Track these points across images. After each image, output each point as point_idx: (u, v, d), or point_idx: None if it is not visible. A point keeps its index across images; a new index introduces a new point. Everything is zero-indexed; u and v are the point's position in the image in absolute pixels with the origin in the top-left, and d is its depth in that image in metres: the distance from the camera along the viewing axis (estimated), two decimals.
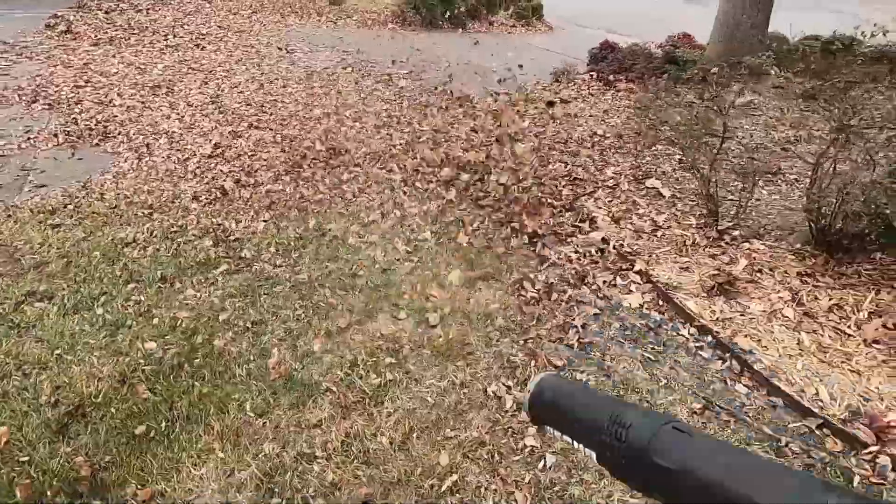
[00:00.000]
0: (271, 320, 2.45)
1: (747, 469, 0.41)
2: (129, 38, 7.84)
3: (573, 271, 2.86)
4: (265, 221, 3.36)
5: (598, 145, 4.59)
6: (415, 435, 1.82)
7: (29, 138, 4.67)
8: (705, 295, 2.56)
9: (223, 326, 2.40)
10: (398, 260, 2.92)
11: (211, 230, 3.27)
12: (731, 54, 6.12)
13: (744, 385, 2.09)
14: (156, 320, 2.45)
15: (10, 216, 3.45)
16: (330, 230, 3.25)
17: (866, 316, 2.33)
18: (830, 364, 2.12)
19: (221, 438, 1.83)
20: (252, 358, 2.21)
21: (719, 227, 3.04)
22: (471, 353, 2.21)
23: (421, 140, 4.54)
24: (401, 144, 4.54)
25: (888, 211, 2.32)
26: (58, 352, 2.25)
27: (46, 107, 5.34)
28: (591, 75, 7.13)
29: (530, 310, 2.54)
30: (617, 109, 5.67)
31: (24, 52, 7.04)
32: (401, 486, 1.65)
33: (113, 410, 1.94)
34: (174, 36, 8.12)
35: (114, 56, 6.99)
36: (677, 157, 4.02)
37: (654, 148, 4.45)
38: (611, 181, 3.87)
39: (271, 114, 5.39)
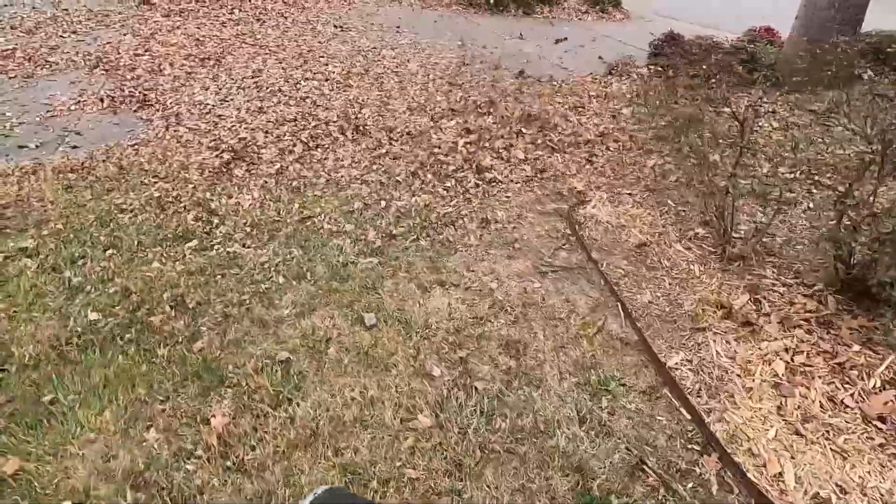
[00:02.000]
0: (216, 302, 2.43)
1: None
2: (199, 11, 8.19)
3: None
4: (252, 200, 3.35)
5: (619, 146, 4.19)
6: (298, 452, 1.70)
7: (79, 101, 4.99)
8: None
9: (168, 303, 2.40)
10: (364, 253, 2.79)
11: (200, 203, 3.32)
12: (813, 53, 5.37)
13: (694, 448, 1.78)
14: (112, 289, 2.51)
15: (34, 173, 3.68)
16: (310, 215, 3.18)
17: (877, 384, 1.91)
18: (811, 440, 1.75)
19: (117, 419, 1.81)
20: (181, 339, 2.19)
21: (729, 255, 2.64)
22: (394, 366, 2.05)
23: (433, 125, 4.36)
24: (413, 124, 4.38)
25: None
26: (15, 309, 2.35)
27: (104, 72, 5.68)
28: (650, 69, 6.56)
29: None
30: (667, 107, 5.15)
31: (104, 20, 7.55)
32: None
33: (35, 375, 1.99)
34: (239, 10, 8.39)
35: (178, 27, 7.31)
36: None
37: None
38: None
39: (305, 91, 5.41)
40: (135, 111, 4.87)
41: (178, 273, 2.63)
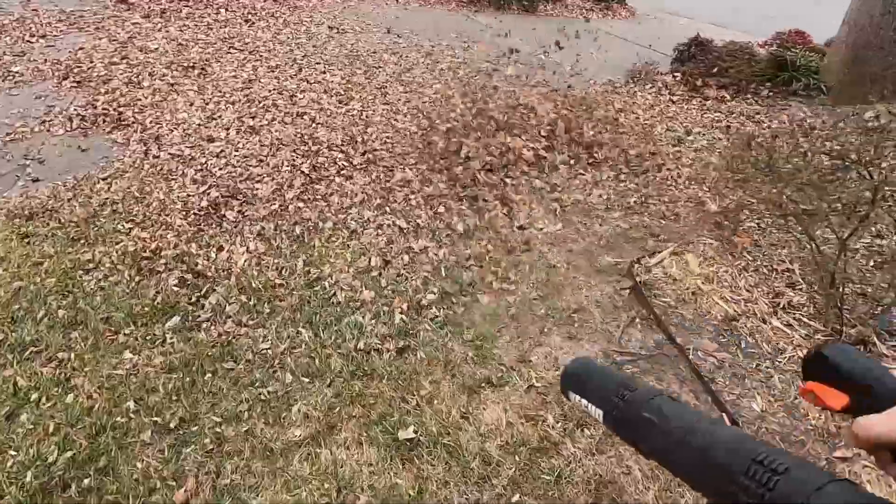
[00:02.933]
0: (205, 417, 1.88)
1: None
2: (181, 11, 7.52)
3: None
4: (247, 255, 2.79)
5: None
6: None
7: (45, 121, 4.37)
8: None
9: (142, 421, 1.85)
10: (390, 335, 2.25)
11: (184, 260, 2.75)
12: (864, 62, 4.88)
13: None
14: (70, 397, 1.95)
15: None
16: (319, 276, 2.63)
17: None
18: None
19: None
20: (157, 484, 1.64)
21: (845, 338, 2.13)
22: None
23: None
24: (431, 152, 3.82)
25: None
26: None
27: (75, 84, 5.04)
28: (675, 76, 6.05)
29: None
30: (704, 126, 4.64)
31: (78, 21, 6.87)
32: None
33: None
34: (226, 9, 7.73)
35: (159, 30, 6.66)
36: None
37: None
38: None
39: (302, 106, 4.82)
40: (108, 132, 4.26)
41: (157, 369, 2.07)
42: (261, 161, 3.76)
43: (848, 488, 0.40)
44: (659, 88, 5.80)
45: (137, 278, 2.63)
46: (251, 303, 2.45)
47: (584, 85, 5.46)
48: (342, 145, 4.01)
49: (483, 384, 1.99)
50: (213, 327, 2.30)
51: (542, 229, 3.01)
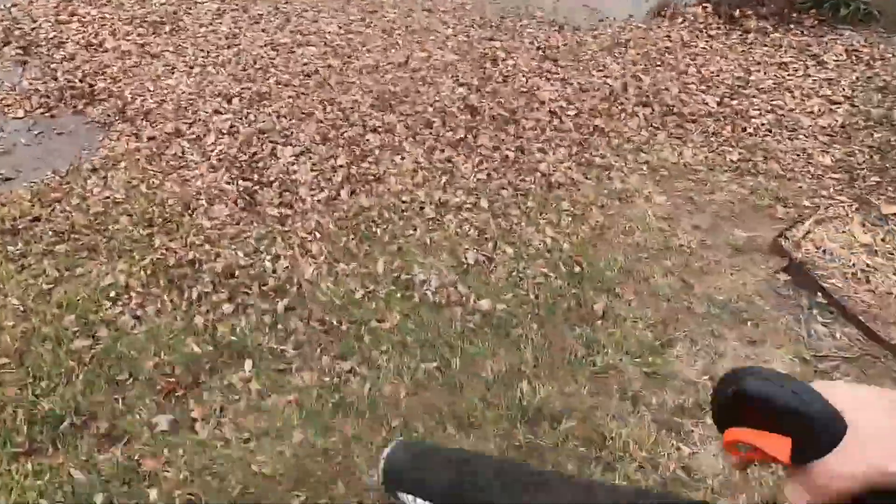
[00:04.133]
0: None
1: None
2: None
3: None
4: (312, 260, 2.26)
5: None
6: None
7: None
8: None
9: None
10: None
11: (234, 274, 2.20)
12: None
13: None
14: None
15: None
16: (410, 280, 2.14)
17: None
18: None
19: None
20: None
21: None
22: None
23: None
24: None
25: None
26: None
27: (20, 51, 4.13)
28: (705, 8, 5.53)
29: None
30: (759, 64, 4.20)
31: None
32: None
33: None
34: None
35: None
36: None
37: None
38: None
39: (304, 64, 4.11)
40: (80, 109, 3.49)
41: (263, 462, 1.59)
42: (286, 136, 3.13)
43: None
44: (690, 23, 5.28)
45: (183, 305, 2.08)
46: (343, 327, 1.95)
47: (600, 25, 4.89)
48: (375, 111, 3.40)
49: (680, 416, 1.62)
50: (306, 373, 1.80)
51: (647, 199, 2.59)
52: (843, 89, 3.66)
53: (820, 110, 3.39)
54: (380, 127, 3.22)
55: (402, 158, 2.95)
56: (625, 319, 1.94)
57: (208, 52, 4.28)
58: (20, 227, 2.47)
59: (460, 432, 1.59)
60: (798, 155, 2.89)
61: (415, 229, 2.44)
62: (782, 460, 0.38)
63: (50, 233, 2.43)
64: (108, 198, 2.67)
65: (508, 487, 0.48)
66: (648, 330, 1.89)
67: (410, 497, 0.53)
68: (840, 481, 0.35)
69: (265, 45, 4.40)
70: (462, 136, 3.10)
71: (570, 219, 2.47)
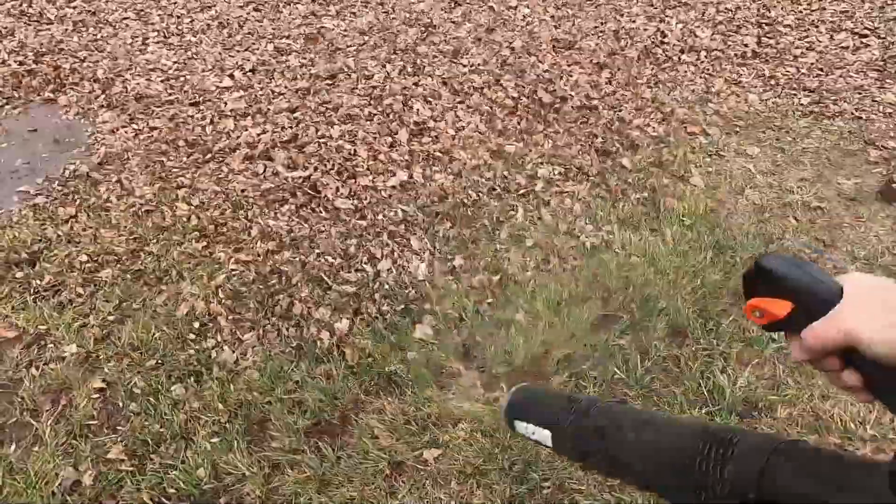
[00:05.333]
0: None
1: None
2: None
3: None
4: (423, 263, 1.97)
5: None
6: None
7: None
8: None
9: None
10: None
11: (329, 276, 1.88)
12: None
13: None
14: None
15: None
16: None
17: None
18: None
19: None
20: None
21: None
22: None
23: None
24: None
25: None
26: None
27: None
28: None
29: None
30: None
31: None
32: None
33: None
34: None
35: None
36: None
37: None
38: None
39: (297, 25, 3.59)
40: (50, 99, 2.88)
41: None
42: (322, 113, 2.72)
43: (802, 445, 0.45)
44: None
45: (289, 329, 1.76)
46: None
47: None
48: (406, 74, 3.03)
49: None
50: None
51: (739, 153, 2.47)
52: (863, 21, 3.65)
53: (855, 45, 3.37)
54: (417, 92, 2.87)
55: (465, 124, 2.65)
56: None
57: (179, 17, 3.66)
58: (36, 253, 2.00)
59: None
60: (861, 94, 2.85)
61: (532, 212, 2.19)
62: (780, 316, 0.47)
63: (82, 258, 1.98)
64: (134, 206, 2.22)
65: (611, 414, 0.55)
66: None
67: (523, 424, 0.61)
68: (820, 340, 0.44)
69: (245, 6, 3.82)
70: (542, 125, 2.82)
71: (670, 178, 2.31)
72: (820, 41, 3.44)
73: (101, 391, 1.62)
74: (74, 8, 3.69)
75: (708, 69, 3.12)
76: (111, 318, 1.80)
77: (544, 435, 0.59)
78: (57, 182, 2.35)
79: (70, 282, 1.90)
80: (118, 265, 1.98)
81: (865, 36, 3.50)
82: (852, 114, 2.68)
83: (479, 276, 1.92)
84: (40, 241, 2.05)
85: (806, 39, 3.46)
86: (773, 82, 2.98)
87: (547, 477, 1.38)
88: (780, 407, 1.49)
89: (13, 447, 1.47)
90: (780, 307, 0.47)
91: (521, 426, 0.62)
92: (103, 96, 2.89)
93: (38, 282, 1.90)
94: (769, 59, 3.19)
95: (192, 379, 1.64)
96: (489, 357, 1.66)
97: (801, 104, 2.78)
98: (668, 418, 0.53)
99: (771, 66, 3.12)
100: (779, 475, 0.43)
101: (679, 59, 3.21)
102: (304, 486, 1.38)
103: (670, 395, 1.55)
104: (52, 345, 1.72)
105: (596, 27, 3.51)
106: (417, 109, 2.72)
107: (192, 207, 2.21)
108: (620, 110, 2.75)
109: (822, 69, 3.08)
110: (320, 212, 2.21)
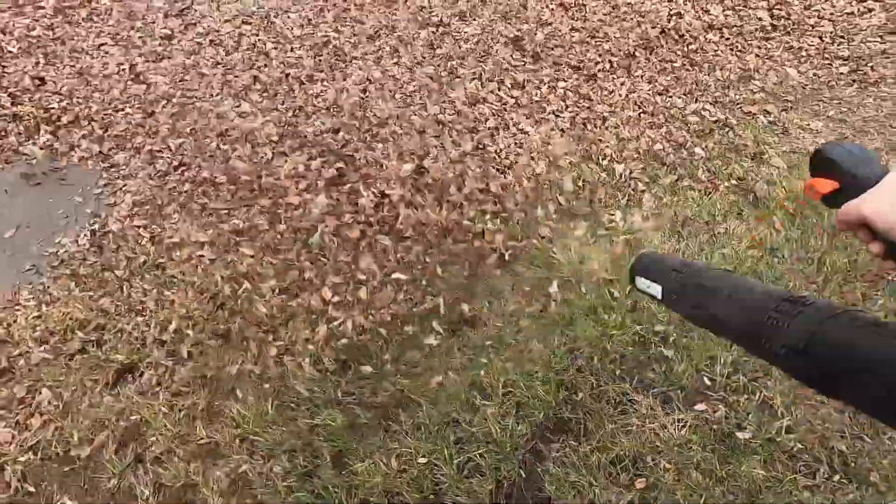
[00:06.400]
0: None
1: None
2: None
3: None
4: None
5: None
6: None
7: None
8: None
9: None
10: None
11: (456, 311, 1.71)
12: None
13: None
14: None
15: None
16: None
17: None
18: None
19: None
20: None
21: None
22: None
23: None
24: None
25: None
26: None
27: None
28: None
29: None
30: None
31: None
32: None
33: None
34: None
35: None
36: None
37: None
38: None
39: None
40: (48, 144, 2.50)
41: None
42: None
43: (859, 315, 0.49)
44: None
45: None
46: None
47: None
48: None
49: None
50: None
51: (804, 129, 2.45)
52: None
53: (859, 10, 3.45)
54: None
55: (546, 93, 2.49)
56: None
57: (146, 36, 3.28)
58: (102, 332, 1.71)
59: None
60: (888, 58, 2.91)
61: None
62: (824, 191, 0.56)
63: (151, 330, 1.71)
64: (191, 259, 1.94)
65: (713, 275, 0.64)
66: None
67: (642, 280, 0.71)
68: (844, 217, 0.52)
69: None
70: None
71: (750, 161, 2.27)
72: (825, 9, 3.50)
73: (234, 483, 1.38)
74: (32, 36, 3.25)
75: (736, 46, 3.11)
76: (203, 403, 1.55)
77: (657, 289, 0.68)
78: (83, 241, 2.03)
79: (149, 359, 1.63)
80: (209, 322, 1.72)
81: (864, 1, 3.59)
82: (892, 79, 2.73)
83: None
84: (97, 314, 1.76)
85: (813, 9, 3.52)
86: (803, 54, 3.00)
87: None
88: None
89: None
90: (827, 185, 0.56)
91: (641, 281, 0.71)
92: (107, 137, 2.54)
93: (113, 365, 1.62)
94: (789, 31, 3.21)
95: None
96: None
97: (842, 73, 2.80)
98: (763, 285, 0.57)
99: (794, 38, 3.13)
100: (834, 330, 0.48)
101: (705, 38, 3.18)
102: None
103: None
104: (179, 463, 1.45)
105: (611, 13, 3.43)
106: None
107: (262, 245, 1.96)
108: (671, 96, 2.69)
109: (842, 37, 3.13)
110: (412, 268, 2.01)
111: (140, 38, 3.29)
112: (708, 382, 1.52)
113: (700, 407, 1.48)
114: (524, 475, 1.38)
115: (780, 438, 1.39)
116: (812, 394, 1.42)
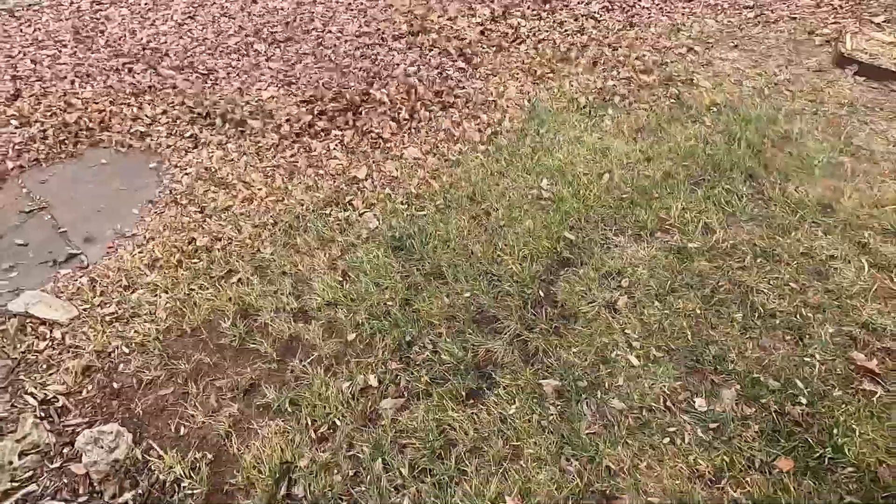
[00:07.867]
0: None
1: None
2: None
3: None
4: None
5: None
6: None
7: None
8: None
9: None
10: None
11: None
12: None
13: None
14: None
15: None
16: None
17: None
18: None
19: None
20: None
21: None
22: None
23: None
24: None
25: None
26: None
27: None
28: None
29: None
30: None
31: None
32: None
33: None
34: None
35: None
36: None
37: None
38: None
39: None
40: (78, 152, 2.97)
41: None
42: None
43: None
44: None
45: None
46: None
47: None
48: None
49: None
50: None
51: (723, 59, 3.08)
52: None
53: None
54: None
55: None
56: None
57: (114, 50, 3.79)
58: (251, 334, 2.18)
59: None
60: (784, 2, 3.60)
61: None
62: None
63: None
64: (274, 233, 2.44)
65: None
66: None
67: None
68: None
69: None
70: None
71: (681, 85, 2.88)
72: None
73: None
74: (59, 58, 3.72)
75: (664, 8, 3.77)
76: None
77: None
78: (166, 224, 2.50)
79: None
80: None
81: None
82: (789, 17, 3.41)
83: None
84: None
85: None
86: (718, 8, 3.67)
87: None
88: None
89: None
90: None
91: None
92: (129, 138, 3.02)
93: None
94: None
95: None
96: None
97: (748, 18, 3.48)
98: None
99: None
100: None
101: (639, 4, 3.83)
102: None
103: None
104: None
105: None
106: None
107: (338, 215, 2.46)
108: (619, 48, 3.30)
109: None
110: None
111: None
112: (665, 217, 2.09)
113: (661, 236, 2.04)
114: (542, 294, 1.90)
115: (720, 245, 1.95)
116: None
